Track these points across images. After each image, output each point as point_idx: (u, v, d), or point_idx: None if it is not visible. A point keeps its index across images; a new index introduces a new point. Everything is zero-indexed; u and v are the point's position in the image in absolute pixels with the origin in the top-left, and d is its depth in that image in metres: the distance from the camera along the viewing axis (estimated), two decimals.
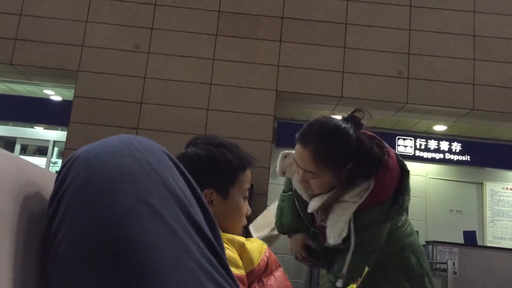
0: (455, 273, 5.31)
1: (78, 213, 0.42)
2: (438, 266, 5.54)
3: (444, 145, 6.79)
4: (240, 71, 5.87)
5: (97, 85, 5.77)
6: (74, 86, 5.81)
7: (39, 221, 0.47)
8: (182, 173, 0.50)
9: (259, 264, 1.16)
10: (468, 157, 6.77)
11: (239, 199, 1.25)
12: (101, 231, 0.41)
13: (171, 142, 5.45)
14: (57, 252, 0.42)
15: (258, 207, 5.41)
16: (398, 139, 6.81)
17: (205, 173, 1.21)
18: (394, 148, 6.69)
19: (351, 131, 1.58)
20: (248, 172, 1.28)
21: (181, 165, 0.51)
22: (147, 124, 5.69)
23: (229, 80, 5.84)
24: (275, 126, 6.14)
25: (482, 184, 7.44)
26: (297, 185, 1.77)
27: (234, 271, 1.07)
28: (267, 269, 1.20)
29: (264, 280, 1.18)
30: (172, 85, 5.80)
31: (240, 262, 1.11)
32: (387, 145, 1.75)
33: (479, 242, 6.51)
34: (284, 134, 6.67)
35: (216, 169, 1.21)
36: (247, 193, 1.28)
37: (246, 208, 1.30)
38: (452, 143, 6.78)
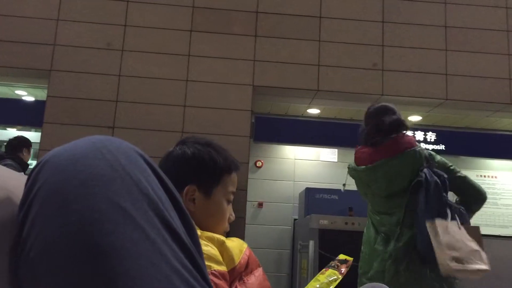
0: None
1: (48, 218, 0.41)
2: None
3: (419, 135, 6.88)
4: (216, 66, 5.84)
5: (70, 84, 5.67)
6: (46, 86, 5.70)
7: (9, 226, 0.46)
8: (157, 175, 0.49)
9: (239, 262, 1.16)
10: (443, 146, 6.89)
11: (221, 200, 1.26)
12: (72, 236, 0.40)
13: (148, 140, 5.40)
14: (28, 258, 0.41)
15: (238, 203, 5.41)
16: None
17: (189, 170, 1.22)
18: None
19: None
20: (233, 176, 1.29)
21: (156, 167, 0.50)
22: (123, 122, 5.62)
23: (205, 76, 5.81)
24: (253, 121, 6.13)
25: None
26: None
27: (216, 267, 1.07)
28: (247, 268, 1.20)
29: (245, 279, 1.18)
30: (147, 83, 5.74)
31: (221, 259, 1.11)
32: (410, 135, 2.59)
33: None
34: (261, 129, 6.68)
35: (201, 166, 1.22)
36: (231, 197, 1.29)
37: (229, 212, 1.30)
38: (427, 133, 6.88)
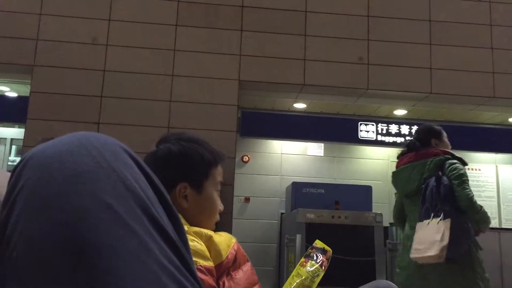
0: None
1: (32, 216, 0.41)
2: None
3: (405, 129, 6.95)
4: (202, 61, 5.82)
5: (54, 79, 5.60)
6: (30, 81, 5.62)
7: None
8: (143, 171, 0.49)
9: (227, 257, 1.16)
10: None
11: (213, 192, 1.28)
12: (57, 234, 0.39)
13: (134, 136, 5.36)
14: (11, 257, 0.40)
15: (224, 198, 5.40)
16: (360, 124, 6.92)
17: (178, 168, 1.22)
18: (357, 133, 6.81)
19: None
20: (220, 168, 1.31)
21: (142, 162, 0.50)
22: (109, 118, 5.58)
23: (191, 71, 5.79)
24: (239, 115, 6.13)
25: None
26: None
27: (203, 263, 1.07)
28: (235, 263, 1.20)
29: (233, 273, 1.18)
30: (133, 78, 5.69)
31: (208, 254, 1.11)
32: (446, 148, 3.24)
33: None
34: (248, 124, 6.68)
35: (189, 163, 1.23)
36: (219, 187, 1.31)
37: (219, 203, 1.31)
38: (412, 127, 6.94)
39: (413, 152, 3.13)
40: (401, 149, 3.32)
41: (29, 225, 0.40)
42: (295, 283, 1.34)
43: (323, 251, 1.43)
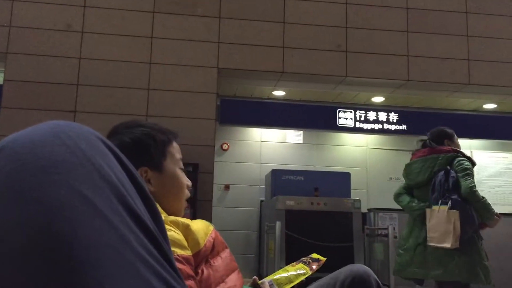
0: (395, 237, 5.58)
1: (5, 208, 0.40)
2: (379, 232, 5.80)
3: (383, 116, 7.02)
4: (180, 49, 5.76)
5: (28, 67, 5.48)
6: (3, 69, 5.49)
7: None
8: (119, 160, 0.48)
9: (205, 245, 1.16)
10: (405, 126, 7.06)
11: (175, 170, 1.28)
12: (31, 226, 0.39)
13: (111, 125, 5.27)
14: None
15: (204, 186, 5.41)
16: (339, 111, 6.97)
17: (134, 156, 1.21)
18: (336, 120, 6.86)
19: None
20: (175, 144, 1.31)
21: (118, 152, 0.49)
22: (85, 106, 5.49)
23: (169, 58, 5.72)
24: (218, 103, 6.10)
25: None
26: None
27: (180, 252, 1.07)
28: (213, 250, 1.20)
29: (211, 261, 1.18)
30: (109, 65, 5.60)
31: (185, 243, 1.10)
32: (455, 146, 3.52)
33: None
34: (227, 112, 6.66)
35: (143, 147, 1.23)
36: (181, 164, 1.31)
37: (185, 179, 1.32)
38: (390, 114, 7.03)
39: (427, 148, 3.51)
40: (416, 147, 3.68)
41: (1, 217, 0.39)
42: (279, 275, 1.35)
43: (317, 260, 1.44)
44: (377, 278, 1.45)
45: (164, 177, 1.25)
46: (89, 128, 0.48)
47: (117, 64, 5.62)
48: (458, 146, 3.54)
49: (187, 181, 1.33)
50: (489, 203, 3.23)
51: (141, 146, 1.23)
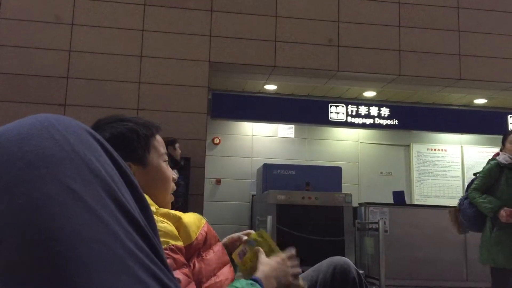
0: (386, 231, 5.61)
1: None
2: (370, 226, 5.83)
3: (374, 111, 7.04)
4: (172, 42, 5.72)
5: (17, 60, 5.42)
6: None
7: None
8: (109, 154, 0.47)
9: (197, 238, 1.16)
10: (396, 121, 7.08)
11: (159, 163, 1.27)
12: (18, 221, 0.38)
13: None
14: None
15: (196, 180, 5.40)
16: (331, 106, 6.98)
17: (117, 151, 1.19)
18: (327, 115, 6.87)
19: None
20: (158, 137, 1.30)
21: (108, 146, 0.48)
22: (75, 100, 5.45)
23: (160, 51, 5.69)
24: (210, 97, 6.08)
25: (409, 146, 7.84)
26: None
27: (172, 242, 1.07)
28: (206, 244, 1.20)
29: (203, 254, 1.18)
30: (100, 58, 5.56)
31: (177, 234, 1.10)
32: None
33: (407, 201, 6.90)
34: (219, 106, 6.65)
35: (126, 142, 1.21)
36: (166, 157, 1.30)
37: (170, 171, 1.31)
38: (381, 108, 7.05)
39: None
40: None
41: None
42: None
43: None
44: (356, 269, 1.47)
45: (149, 171, 1.24)
46: (78, 122, 0.48)
47: (108, 57, 5.57)
48: (508, 149, 3.51)
49: (173, 174, 1.32)
50: (482, 202, 3.37)
51: (123, 141, 1.20)
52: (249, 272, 1.25)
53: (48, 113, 0.47)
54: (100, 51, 5.57)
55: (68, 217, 0.38)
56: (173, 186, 1.32)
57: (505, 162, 3.38)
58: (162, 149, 1.30)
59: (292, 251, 1.30)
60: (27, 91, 5.36)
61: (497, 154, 3.50)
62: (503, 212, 3.23)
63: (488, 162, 3.53)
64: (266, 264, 1.21)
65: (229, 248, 1.38)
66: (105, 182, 0.43)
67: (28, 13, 5.50)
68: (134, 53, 5.63)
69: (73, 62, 5.51)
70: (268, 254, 1.27)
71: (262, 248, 1.28)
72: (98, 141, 0.47)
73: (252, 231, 1.42)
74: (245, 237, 1.38)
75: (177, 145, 4.97)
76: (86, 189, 0.41)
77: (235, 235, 1.42)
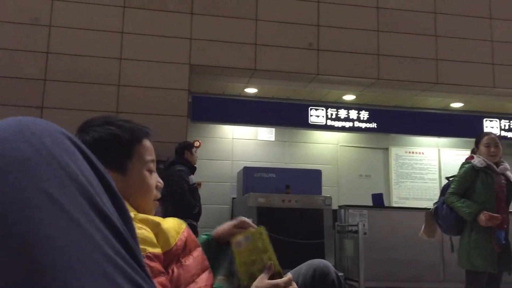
0: (365, 233, 5.66)
1: None
2: (350, 229, 5.87)
3: (353, 114, 7.10)
4: (151, 44, 5.68)
5: None
6: None
7: None
8: (87, 158, 0.47)
9: (176, 244, 1.14)
10: (375, 124, 7.15)
11: (141, 172, 1.22)
12: None
13: (80, 121, 5.18)
14: None
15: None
16: (311, 109, 7.02)
17: (95, 156, 1.16)
18: (307, 118, 6.90)
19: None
20: (146, 143, 1.24)
21: (86, 149, 0.48)
22: (53, 102, 5.37)
23: (140, 54, 5.65)
24: (190, 100, 6.06)
25: (387, 149, 7.93)
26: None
27: (150, 249, 1.05)
28: (185, 249, 1.19)
29: (182, 260, 1.17)
30: (78, 60, 5.49)
31: (155, 241, 1.09)
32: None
33: (386, 203, 6.97)
34: (199, 108, 6.62)
35: (105, 148, 1.17)
36: (150, 165, 1.24)
37: (154, 180, 1.26)
38: (360, 112, 7.11)
39: None
40: None
41: None
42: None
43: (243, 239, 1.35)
44: (336, 271, 1.48)
45: (129, 179, 1.19)
46: (55, 125, 0.47)
47: (86, 59, 5.51)
48: (482, 152, 3.49)
49: (157, 182, 1.27)
50: (461, 206, 3.38)
51: (102, 147, 1.16)
52: (242, 266, 1.25)
53: (25, 115, 0.46)
54: (78, 53, 5.50)
55: (44, 222, 0.38)
56: (156, 194, 1.27)
57: (480, 166, 3.40)
58: (148, 156, 1.23)
59: (289, 275, 1.27)
60: (3, 94, 5.26)
61: (471, 158, 3.53)
62: (482, 216, 3.24)
63: (462, 166, 3.55)
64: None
65: (226, 236, 1.36)
66: (83, 187, 0.42)
67: (5, 14, 5.40)
68: (113, 55, 5.58)
69: (51, 64, 5.43)
70: (259, 253, 1.26)
71: (257, 244, 1.26)
72: (75, 144, 0.46)
73: (246, 220, 1.38)
74: (249, 225, 1.35)
75: (193, 149, 4.87)
76: (63, 194, 0.40)
77: (232, 224, 1.39)
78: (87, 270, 0.38)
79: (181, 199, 4.56)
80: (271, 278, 1.23)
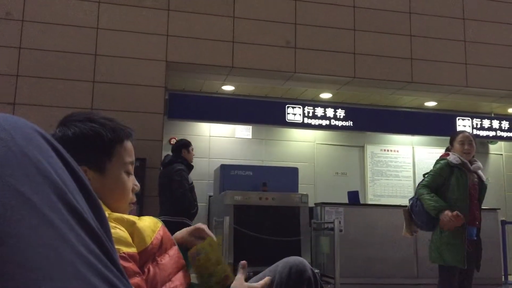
0: (341, 231, 5.72)
1: None
2: (326, 226, 5.93)
3: (330, 112, 7.15)
4: (127, 41, 5.61)
5: None
6: None
7: None
8: (60, 156, 0.45)
9: (152, 242, 1.13)
10: (351, 122, 7.22)
11: (119, 173, 1.20)
12: None
13: (54, 118, 5.08)
14: None
15: (152, 180, 5.32)
16: (288, 107, 7.04)
17: (74, 152, 1.13)
18: (284, 116, 6.92)
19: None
20: (127, 145, 1.22)
21: (59, 147, 0.46)
22: (25, 99, 5.25)
23: (115, 50, 5.57)
24: (166, 97, 6.01)
25: (363, 147, 8.02)
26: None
27: (126, 249, 1.04)
28: (161, 248, 1.18)
29: (158, 259, 1.16)
30: (51, 56, 5.38)
31: (130, 240, 1.07)
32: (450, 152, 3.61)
33: (361, 201, 7.05)
34: (176, 106, 6.57)
35: (86, 145, 1.15)
36: (129, 167, 1.22)
37: (131, 183, 1.24)
38: (337, 110, 7.17)
39: None
40: None
41: None
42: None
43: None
44: (312, 268, 1.49)
45: (106, 179, 1.17)
46: (26, 121, 0.46)
47: (60, 55, 5.41)
48: (457, 149, 3.56)
49: (134, 185, 1.25)
50: (429, 199, 3.40)
51: (82, 143, 1.14)
52: (199, 278, 1.26)
53: None
54: (52, 49, 5.39)
55: (15, 221, 0.37)
56: (132, 197, 1.24)
57: (456, 162, 3.46)
58: (128, 157, 1.21)
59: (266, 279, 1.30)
60: None
61: (447, 155, 3.59)
62: (447, 213, 3.28)
63: (437, 162, 3.60)
64: None
65: (185, 244, 1.36)
66: (55, 185, 0.41)
67: None
68: (88, 51, 5.49)
69: (24, 60, 5.31)
70: (213, 266, 1.27)
71: (210, 258, 1.27)
72: (48, 141, 0.45)
73: (203, 227, 1.38)
74: (205, 234, 1.35)
75: (190, 148, 4.86)
76: (34, 192, 0.39)
77: (189, 230, 1.38)
78: (60, 269, 0.37)
79: (182, 199, 4.55)
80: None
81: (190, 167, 4.85)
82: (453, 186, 3.43)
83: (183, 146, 4.83)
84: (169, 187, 4.61)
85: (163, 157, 5.70)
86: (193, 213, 4.77)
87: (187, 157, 4.83)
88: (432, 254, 3.48)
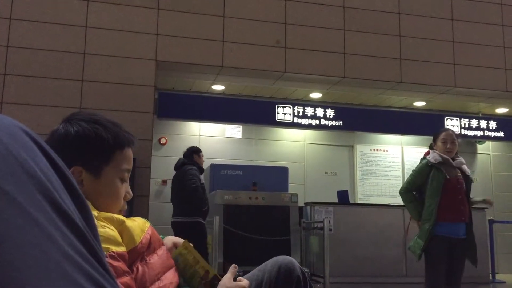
0: (330, 230, 5.74)
1: None
2: (315, 225, 5.94)
3: (320, 112, 7.17)
4: (117, 39, 5.58)
5: None
6: None
7: None
8: (46, 154, 0.45)
9: (141, 242, 1.13)
10: (341, 122, 7.25)
11: (114, 179, 1.18)
12: None
13: (42, 117, 5.05)
14: None
15: (141, 180, 5.29)
16: (278, 107, 7.04)
17: (73, 151, 1.13)
18: (274, 116, 6.93)
19: None
20: (127, 152, 1.21)
21: (45, 145, 0.46)
22: (13, 97, 5.20)
23: (105, 49, 5.53)
24: (156, 97, 5.98)
25: (352, 146, 8.06)
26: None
27: (115, 248, 1.04)
28: (150, 247, 1.17)
29: (147, 258, 1.16)
30: (40, 55, 5.33)
31: (120, 239, 1.07)
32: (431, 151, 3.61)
33: (351, 200, 7.09)
34: (165, 105, 6.55)
35: (86, 146, 1.14)
36: (125, 175, 1.21)
37: (124, 190, 1.22)
38: (327, 110, 7.19)
39: None
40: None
41: None
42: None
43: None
44: (301, 267, 1.50)
45: (99, 183, 1.16)
46: (12, 119, 0.45)
47: (48, 54, 5.36)
48: (439, 147, 3.57)
49: (127, 192, 1.24)
50: (408, 205, 3.67)
51: (83, 143, 1.13)
52: (185, 276, 1.28)
53: None
54: (40, 47, 5.35)
55: (0, 220, 0.36)
56: (123, 204, 1.23)
57: (434, 161, 3.46)
58: (126, 165, 1.20)
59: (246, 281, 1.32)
60: None
61: (428, 153, 3.61)
62: (415, 224, 3.65)
63: (420, 161, 3.64)
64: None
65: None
66: (41, 184, 0.41)
67: None
68: (77, 50, 5.45)
69: (11, 58, 5.26)
70: (192, 266, 1.30)
71: (187, 259, 1.31)
72: (33, 139, 0.45)
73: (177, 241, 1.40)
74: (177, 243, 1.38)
75: (201, 153, 5.34)
76: (20, 191, 0.39)
77: (170, 241, 1.39)
78: (46, 269, 0.36)
79: (194, 195, 4.88)
80: (210, 283, 1.27)
81: (201, 170, 5.25)
82: (428, 186, 3.48)
83: (195, 152, 5.31)
84: (183, 186, 4.96)
85: (152, 157, 5.68)
86: (204, 211, 5.04)
87: (198, 161, 5.26)
88: (412, 247, 3.59)
